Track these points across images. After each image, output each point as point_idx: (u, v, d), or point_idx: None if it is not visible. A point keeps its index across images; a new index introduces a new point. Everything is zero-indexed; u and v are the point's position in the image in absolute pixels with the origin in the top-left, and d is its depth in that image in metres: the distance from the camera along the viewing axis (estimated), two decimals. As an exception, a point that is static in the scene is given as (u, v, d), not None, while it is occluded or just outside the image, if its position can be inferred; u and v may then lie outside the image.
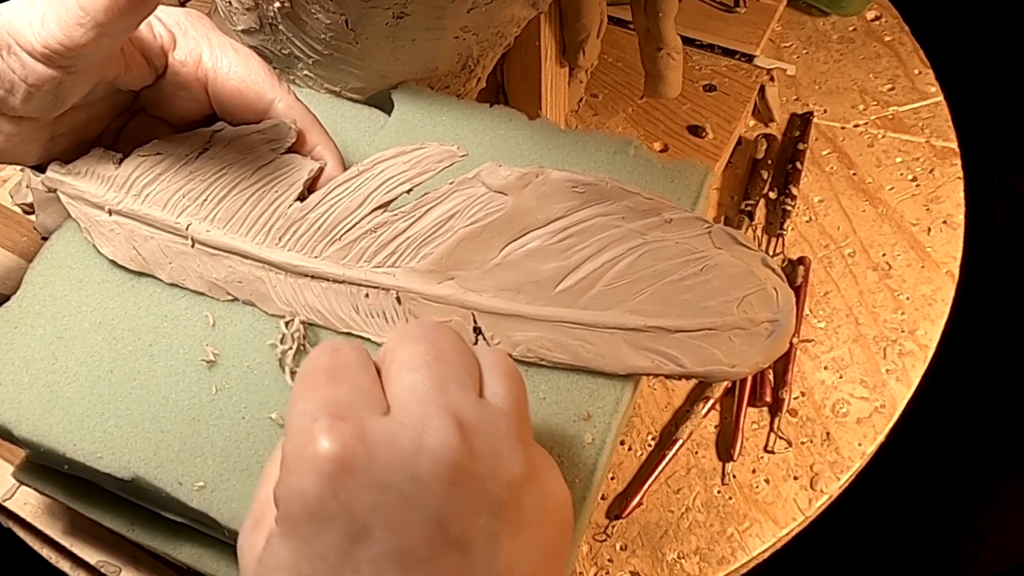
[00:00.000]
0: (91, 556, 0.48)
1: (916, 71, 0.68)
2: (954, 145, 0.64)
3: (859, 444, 0.52)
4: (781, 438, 0.52)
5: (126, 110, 0.43)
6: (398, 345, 0.30)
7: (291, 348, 0.39)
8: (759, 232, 0.60)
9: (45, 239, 0.52)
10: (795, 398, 0.54)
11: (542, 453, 0.30)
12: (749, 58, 0.66)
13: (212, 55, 0.41)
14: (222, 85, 0.40)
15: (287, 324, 0.39)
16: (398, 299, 0.39)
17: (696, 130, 0.62)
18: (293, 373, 0.38)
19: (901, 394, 0.54)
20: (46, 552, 0.49)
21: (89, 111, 0.41)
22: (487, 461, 0.28)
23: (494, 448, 0.28)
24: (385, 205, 0.40)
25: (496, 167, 0.39)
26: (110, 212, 0.41)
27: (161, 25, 0.40)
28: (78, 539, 0.48)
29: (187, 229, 0.40)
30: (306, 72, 0.48)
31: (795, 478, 0.51)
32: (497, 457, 0.28)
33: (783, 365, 0.54)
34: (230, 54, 0.41)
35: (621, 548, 0.49)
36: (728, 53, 0.66)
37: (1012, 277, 0.97)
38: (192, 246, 0.40)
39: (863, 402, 0.53)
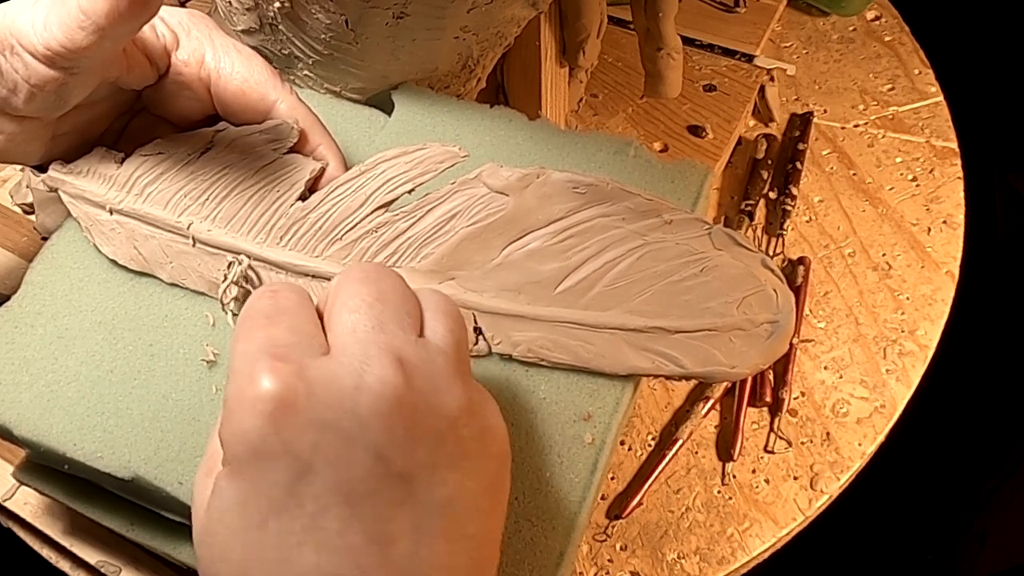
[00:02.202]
0: (91, 556, 0.48)
1: (916, 71, 0.68)
2: (954, 145, 0.64)
3: (859, 444, 0.52)
4: (781, 438, 0.52)
5: (128, 110, 0.43)
6: (340, 287, 0.30)
7: (233, 291, 0.39)
8: (759, 232, 0.60)
9: (45, 239, 0.52)
10: (795, 398, 0.54)
11: (480, 389, 0.31)
12: (749, 58, 0.66)
13: (215, 55, 0.41)
14: (225, 86, 0.41)
15: (228, 266, 0.39)
16: None
17: (696, 130, 0.62)
18: (235, 316, 0.38)
19: (901, 394, 0.54)
20: (46, 552, 0.49)
21: (91, 111, 0.41)
22: (426, 396, 0.28)
23: (433, 384, 0.29)
24: (387, 205, 0.40)
25: (497, 168, 0.39)
26: (111, 211, 0.41)
27: (164, 25, 0.40)
28: (78, 539, 0.48)
29: (188, 228, 0.40)
30: (306, 72, 0.48)
31: (795, 478, 0.51)
32: (436, 392, 0.29)
33: (783, 365, 0.54)
34: (233, 55, 0.41)
35: (621, 548, 0.49)
36: (728, 53, 0.66)
37: (1012, 277, 0.97)
38: (193, 245, 0.40)
39: (863, 402, 0.53)
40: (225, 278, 0.39)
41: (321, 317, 0.30)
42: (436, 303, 0.32)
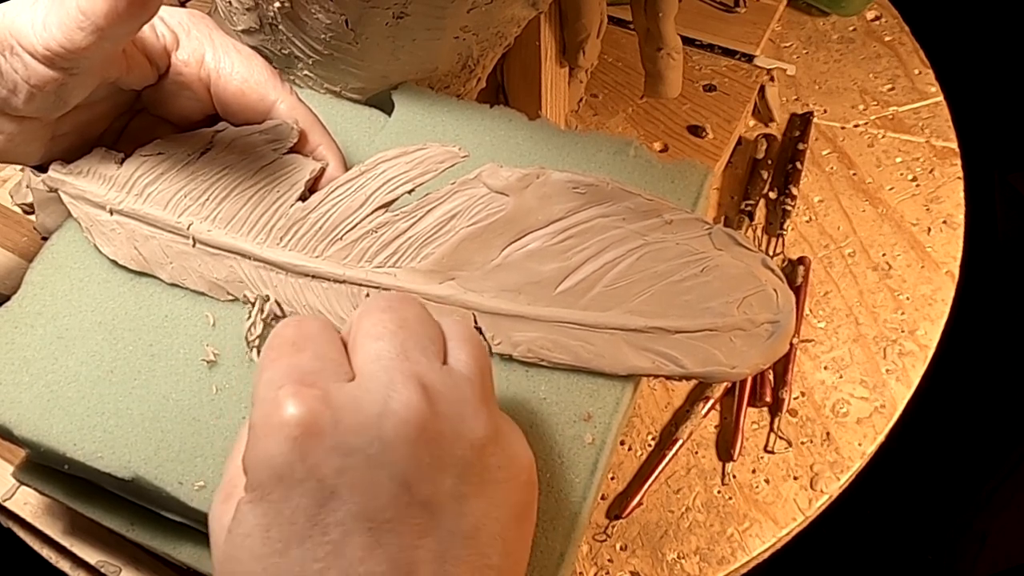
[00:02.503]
0: (91, 556, 0.48)
1: (916, 71, 0.68)
2: (954, 145, 0.64)
3: (859, 444, 0.52)
4: (781, 438, 0.52)
5: (128, 110, 0.43)
6: (363, 316, 0.30)
7: (258, 329, 0.39)
8: (759, 232, 0.60)
9: (45, 239, 0.52)
10: (795, 398, 0.54)
11: (505, 418, 0.31)
12: (749, 58, 0.66)
13: (215, 55, 0.41)
14: (225, 86, 0.41)
15: (253, 304, 0.39)
16: None
17: (696, 130, 0.62)
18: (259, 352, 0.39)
19: (901, 394, 0.54)
20: (46, 552, 0.49)
21: (91, 111, 0.41)
22: (451, 423, 0.28)
23: (458, 411, 0.29)
24: (387, 205, 0.40)
25: (498, 168, 0.39)
26: (111, 212, 0.41)
27: (164, 26, 0.40)
28: (78, 539, 0.48)
29: (188, 229, 0.40)
30: (306, 72, 0.48)
31: (795, 478, 0.51)
32: (461, 420, 0.29)
33: (783, 365, 0.54)
34: (233, 55, 0.41)
35: (621, 548, 0.49)
36: (728, 53, 0.66)
37: (1012, 277, 0.97)
38: (193, 246, 0.40)
39: (863, 402, 0.53)
40: (249, 315, 0.39)
41: (345, 346, 0.30)
42: (458, 332, 0.31)
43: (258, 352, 0.39)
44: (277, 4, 0.44)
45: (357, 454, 0.27)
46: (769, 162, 0.62)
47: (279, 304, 0.40)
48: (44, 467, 0.41)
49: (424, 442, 0.27)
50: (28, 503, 0.50)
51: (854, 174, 0.63)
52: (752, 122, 0.66)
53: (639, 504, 0.50)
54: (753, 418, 0.53)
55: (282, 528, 0.27)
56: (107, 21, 0.33)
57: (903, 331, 0.56)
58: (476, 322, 0.39)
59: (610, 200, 0.39)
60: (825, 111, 0.66)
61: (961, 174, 0.63)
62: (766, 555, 0.49)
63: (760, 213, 0.61)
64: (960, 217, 0.61)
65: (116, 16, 0.33)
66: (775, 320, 0.38)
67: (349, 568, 0.26)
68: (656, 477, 0.50)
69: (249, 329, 0.39)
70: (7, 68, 0.35)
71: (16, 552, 0.50)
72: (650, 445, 0.52)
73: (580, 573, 0.48)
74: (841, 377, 0.54)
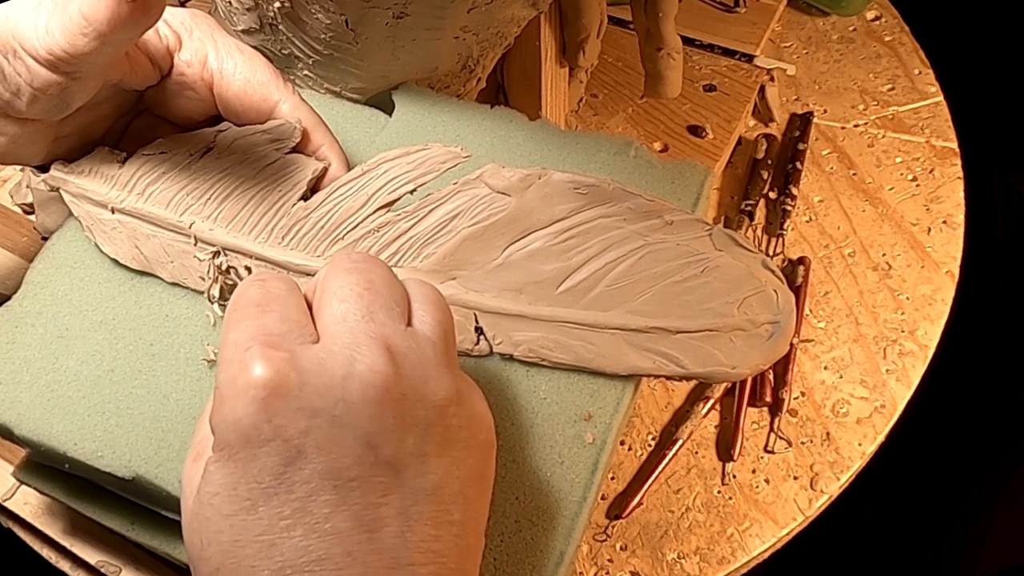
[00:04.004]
0: (91, 556, 0.48)
1: (916, 71, 0.68)
2: (954, 145, 0.64)
3: (859, 444, 0.52)
4: (781, 438, 0.52)
5: (130, 110, 0.43)
6: (328, 276, 0.31)
7: (216, 282, 0.39)
8: (759, 232, 0.60)
9: (45, 239, 0.52)
10: (795, 398, 0.54)
11: (467, 379, 0.32)
12: (749, 58, 0.66)
13: (217, 56, 0.41)
14: (227, 86, 0.41)
15: (214, 256, 0.39)
16: None
17: (696, 130, 0.62)
18: (223, 307, 0.39)
19: (901, 394, 0.54)
20: (46, 552, 0.49)
21: (94, 112, 0.41)
22: (415, 385, 0.29)
23: (421, 373, 0.29)
24: (388, 205, 0.40)
25: (499, 168, 0.39)
26: (113, 211, 0.41)
27: (167, 26, 0.40)
28: (78, 539, 0.48)
29: (190, 228, 0.40)
30: (306, 72, 0.48)
31: (795, 478, 0.51)
32: (424, 381, 0.29)
33: (783, 365, 0.54)
34: (235, 55, 0.41)
35: (621, 548, 0.49)
36: (728, 53, 0.66)
37: (1012, 277, 0.97)
38: (195, 245, 0.40)
39: (863, 402, 0.54)
40: (209, 270, 0.39)
41: (310, 306, 0.31)
42: (423, 294, 0.32)
43: (220, 308, 0.39)
44: (277, 4, 0.44)
45: (322, 415, 0.27)
46: (769, 162, 0.62)
47: (232, 264, 0.40)
48: (44, 467, 0.41)
49: (388, 403, 0.28)
50: (28, 503, 0.50)
51: (854, 174, 0.63)
52: (752, 122, 0.66)
53: (639, 504, 0.50)
54: (753, 418, 0.53)
55: (249, 486, 0.27)
56: (109, 27, 0.33)
57: (903, 331, 0.56)
58: (477, 321, 0.39)
59: (611, 200, 0.39)
60: (825, 111, 0.66)
61: (961, 174, 0.63)
62: (766, 555, 0.49)
63: (760, 213, 0.61)
64: (960, 217, 0.61)
65: (118, 22, 0.33)
66: (775, 320, 0.38)
67: (315, 524, 0.27)
68: (656, 477, 0.50)
69: (210, 287, 0.39)
70: (10, 71, 0.35)
71: (16, 552, 0.50)
72: (650, 445, 0.52)
73: (580, 573, 0.48)
74: (841, 377, 0.55)
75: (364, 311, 0.29)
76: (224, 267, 0.39)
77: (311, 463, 0.27)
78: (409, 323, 0.31)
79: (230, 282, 0.40)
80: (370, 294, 0.30)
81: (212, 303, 0.39)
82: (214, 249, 0.40)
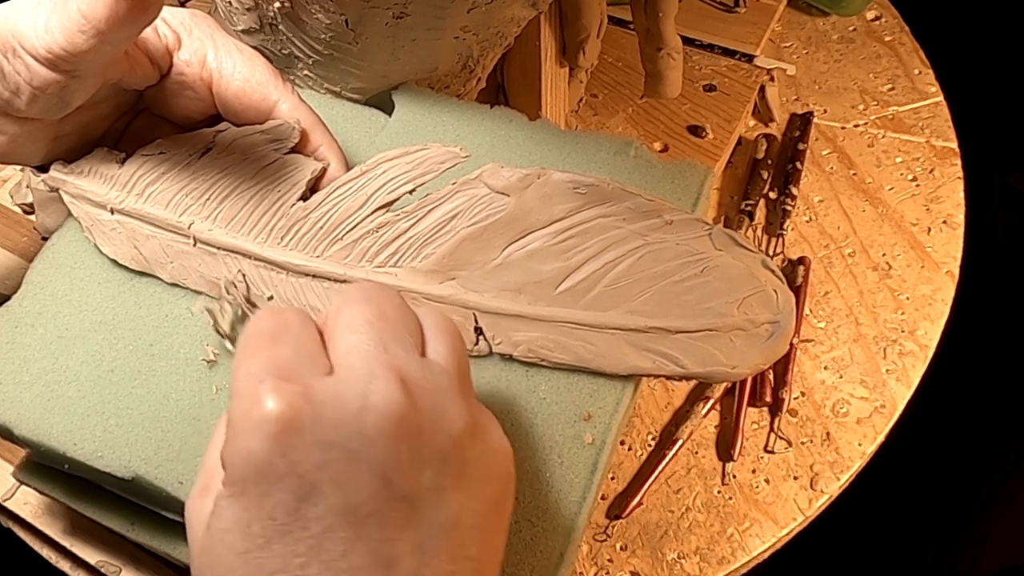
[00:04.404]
0: (91, 556, 0.48)
1: (916, 71, 0.68)
2: (954, 145, 0.64)
3: (859, 444, 0.52)
4: (781, 438, 0.52)
5: (130, 110, 0.43)
6: (341, 307, 0.30)
7: (229, 314, 0.39)
8: (759, 232, 0.60)
9: (45, 239, 0.52)
10: (795, 398, 0.54)
11: (483, 409, 0.31)
12: (749, 58, 0.66)
13: (217, 56, 0.41)
14: (226, 86, 0.40)
15: (226, 288, 0.39)
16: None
17: (696, 130, 0.62)
18: (232, 340, 0.39)
19: (901, 394, 0.54)
20: (46, 552, 0.49)
21: (93, 111, 0.41)
22: (431, 416, 0.28)
23: (437, 404, 0.29)
24: (388, 205, 0.40)
25: (498, 168, 0.39)
26: (112, 211, 0.41)
27: (166, 26, 0.40)
28: (78, 539, 0.48)
29: (189, 228, 0.40)
30: (306, 72, 0.48)
31: (795, 478, 0.51)
32: (440, 412, 0.29)
33: (783, 365, 0.54)
34: (235, 55, 0.41)
35: (621, 548, 0.49)
36: (728, 53, 0.66)
37: (1012, 277, 0.97)
38: (194, 245, 0.40)
39: (863, 402, 0.54)
40: (220, 302, 0.39)
41: (322, 336, 0.30)
42: (436, 323, 0.32)
43: (232, 343, 0.39)
44: (277, 4, 0.44)
45: (337, 449, 0.27)
46: (769, 162, 0.62)
47: (248, 289, 0.39)
48: (44, 467, 0.42)
49: (404, 436, 0.27)
50: (28, 503, 0.50)
51: (854, 174, 0.63)
52: (752, 122, 0.66)
53: (639, 504, 0.50)
54: (753, 418, 0.53)
55: (263, 523, 0.27)
56: (108, 25, 0.33)
57: (903, 331, 0.56)
58: (476, 322, 0.39)
59: (611, 200, 0.39)
60: (825, 111, 0.66)
61: (961, 174, 0.63)
62: (766, 555, 0.49)
63: (760, 213, 0.61)
64: (960, 217, 0.61)
65: (117, 20, 0.33)
66: (775, 320, 0.38)
67: (331, 562, 0.27)
68: (656, 477, 0.50)
69: (219, 322, 0.39)
70: (9, 70, 0.35)
71: (16, 552, 0.50)
72: (650, 445, 0.52)
73: (580, 573, 0.48)
74: (841, 377, 0.54)
75: (377, 341, 0.29)
76: (235, 300, 0.39)
77: (326, 499, 0.27)
78: (423, 353, 0.30)
79: (240, 312, 0.39)
80: (382, 324, 0.30)
81: (223, 338, 0.39)
82: (228, 280, 0.39)
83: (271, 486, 0.27)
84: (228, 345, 0.39)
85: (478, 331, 0.38)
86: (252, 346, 0.29)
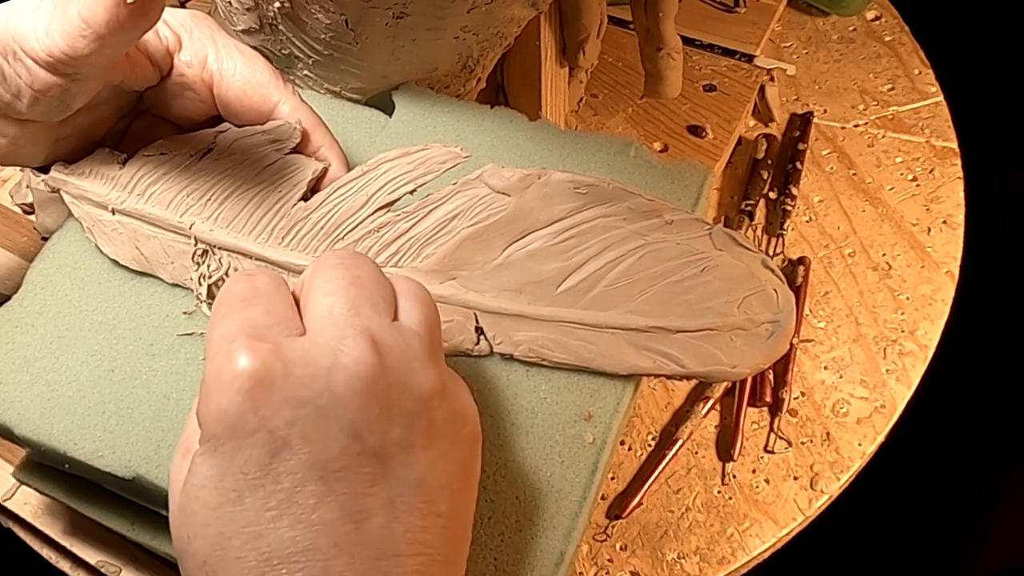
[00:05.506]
0: (91, 556, 0.48)
1: (916, 71, 0.68)
2: (954, 145, 0.64)
3: (859, 444, 0.52)
4: (781, 438, 0.52)
5: (131, 111, 0.43)
6: (315, 272, 0.31)
7: (206, 279, 0.39)
8: (759, 232, 0.60)
9: (45, 239, 0.52)
10: (795, 398, 0.54)
11: (452, 374, 0.32)
12: (749, 58, 0.66)
13: (217, 57, 0.41)
14: (227, 87, 0.41)
15: (202, 255, 0.39)
16: None
17: (696, 130, 0.62)
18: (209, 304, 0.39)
19: (901, 394, 0.54)
20: (46, 552, 0.49)
21: (94, 113, 0.41)
22: (400, 377, 0.29)
23: (407, 366, 0.29)
24: (388, 205, 0.40)
25: (499, 168, 0.39)
26: (113, 212, 0.41)
27: (166, 27, 0.40)
28: (78, 539, 0.48)
29: (190, 229, 0.40)
30: (306, 72, 0.48)
31: (795, 478, 0.51)
32: (409, 373, 0.29)
33: (783, 365, 0.54)
34: (235, 56, 0.41)
35: (621, 548, 0.49)
36: (728, 53, 0.66)
37: (1012, 277, 0.97)
38: (195, 245, 0.40)
39: (863, 402, 0.54)
40: (198, 268, 0.39)
41: (297, 302, 0.31)
42: (409, 290, 0.32)
43: (208, 307, 0.39)
44: (277, 4, 0.44)
45: (308, 405, 0.27)
46: (769, 162, 0.62)
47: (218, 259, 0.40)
48: (44, 467, 0.42)
49: (373, 394, 0.28)
50: (28, 503, 0.50)
51: (854, 174, 0.63)
52: (752, 122, 0.66)
53: (639, 504, 0.50)
54: (753, 418, 0.53)
55: (235, 478, 0.27)
56: (108, 29, 0.33)
57: (903, 331, 0.56)
58: (477, 321, 0.39)
59: (611, 200, 0.39)
60: (825, 111, 0.66)
61: (961, 174, 0.63)
62: (766, 555, 0.49)
63: (760, 213, 0.61)
64: (960, 217, 0.61)
65: (117, 24, 0.33)
66: (775, 320, 0.38)
67: (301, 515, 0.27)
68: (656, 477, 0.50)
69: (198, 288, 0.39)
70: (10, 72, 0.35)
71: (16, 552, 0.50)
72: (650, 445, 0.52)
73: (580, 573, 0.48)
74: (841, 377, 0.55)
75: (350, 305, 0.30)
76: (211, 267, 0.39)
77: (297, 454, 0.27)
78: (395, 318, 0.31)
79: (219, 282, 0.40)
80: (356, 288, 0.30)
81: (201, 303, 0.39)
82: (203, 248, 0.40)
83: (243, 441, 0.27)
84: (205, 310, 0.39)
85: (479, 331, 0.39)
86: (225, 308, 0.30)
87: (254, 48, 0.42)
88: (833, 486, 0.51)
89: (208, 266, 0.40)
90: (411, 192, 0.40)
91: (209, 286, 0.39)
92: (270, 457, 0.27)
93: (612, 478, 0.51)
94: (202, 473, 0.28)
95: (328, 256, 0.32)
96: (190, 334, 0.39)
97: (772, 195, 0.62)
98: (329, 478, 0.27)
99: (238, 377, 0.27)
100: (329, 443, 0.28)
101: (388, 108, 0.47)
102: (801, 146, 0.63)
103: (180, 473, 0.29)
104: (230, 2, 0.47)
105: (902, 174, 0.63)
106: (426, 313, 0.32)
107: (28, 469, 0.42)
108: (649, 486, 0.50)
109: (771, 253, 0.59)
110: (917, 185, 0.62)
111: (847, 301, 0.57)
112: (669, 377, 0.38)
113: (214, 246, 0.40)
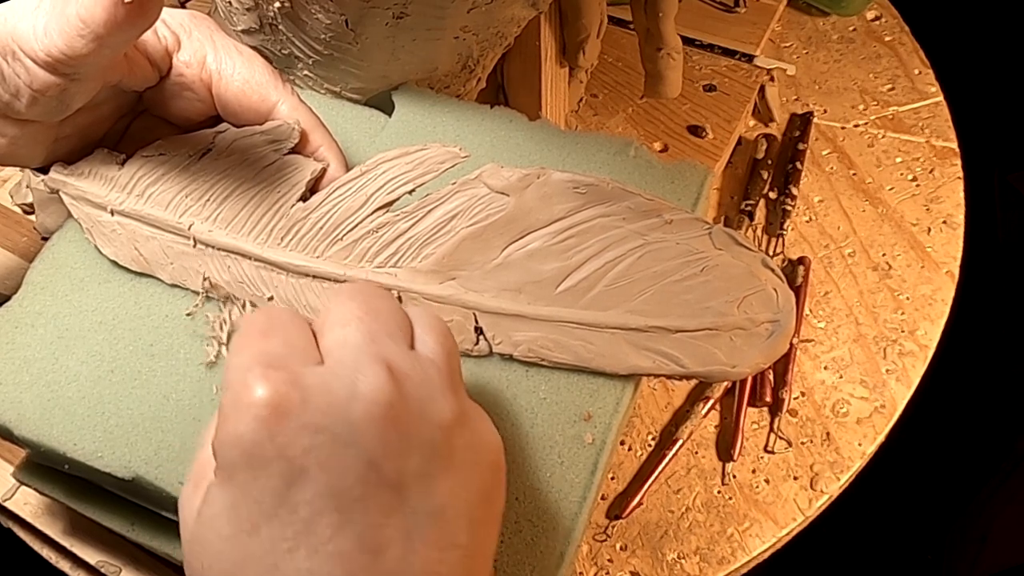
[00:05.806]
0: (91, 556, 0.48)
1: (916, 71, 0.68)
2: (954, 145, 0.64)
3: (859, 444, 0.52)
4: (781, 438, 0.52)
5: (130, 111, 0.43)
6: (331, 304, 0.31)
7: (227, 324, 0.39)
8: (759, 232, 0.60)
9: (45, 239, 0.52)
10: (795, 398, 0.54)
11: (472, 403, 0.32)
12: (749, 58, 0.66)
13: (216, 57, 0.41)
14: (226, 87, 0.41)
15: (224, 302, 0.39)
16: (399, 299, 0.39)
17: (696, 130, 0.62)
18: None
19: (901, 394, 0.54)
20: (46, 552, 0.49)
21: (93, 113, 0.41)
22: (418, 405, 0.29)
23: (425, 394, 0.29)
24: (387, 205, 0.40)
25: (498, 168, 0.39)
26: (112, 212, 0.41)
27: (165, 27, 0.40)
28: (78, 539, 0.48)
29: (189, 229, 0.40)
30: (306, 72, 0.48)
31: (795, 478, 0.51)
32: (427, 402, 0.29)
33: (783, 365, 0.54)
34: (234, 56, 0.41)
35: (621, 548, 0.49)
36: (728, 53, 0.66)
37: (1012, 277, 0.97)
38: (194, 246, 0.40)
39: (863, 402, 0.54)
40: (221, 320, 0.39)
41: (314, 335, 0.31)
42: (426, 319, 0.32)
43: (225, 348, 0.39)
44: (277, 4, 0.44)
45: (325, 434, 0.27)
46: (769, 162, 0.62)
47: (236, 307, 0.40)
48: (44, 467, 0.42)
49: (391, 423, 0.28)
50: (28, 503, 0.50)
51: (854, 174, 0.63)
52: (752, 122, 0.66)
53: (639, 504, 0.50)
54: (753, 418, 0.53)
55: (250, 507, 0.27)
56: (106, 29, 0.33)
57: (903, 331, 0.56)
58: (477, 321, 0.39)
59: (610, 200, 0.39)
60: (825, 111, 0.66)
61: (961, 174, 0.63)
62: (766, 555, 0.49)
63: (760, 213, 0.61)
64: (960, 217, 0.61)
65: (115, 25, 0.33)
66: (775, 319, 0.38)
67: (318, 545, 0.27)
68: (656, 477, 0.50)
69: (219, 333, 0.39)
70: (9, 72, 0.35)
71: (16, 552, 0.50)
72: (650, 445, 0.52)
73: (580, 573, 0.48)
74: (841, 377, 0.55)
75: (367, 334, 0.29)
76: (233, 314, 0.39)
77: (314, 483, 0.27)
78: (412, 347, 0.31)
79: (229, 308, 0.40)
80: (372, 318, 0.30)
81: (220, 346, 0.39)
82: (225, 294, 0.40)
83: (259, 470, 0.27)
84: (225, 353, 0.39)
85: (478, 331, 0.39)
86: (243, 340, 0.30)
87: (254, 48, 0.43)
88: (833, 486, 0.51)
89: (231, 313, 0.39)
90: (410, 192, 0.40)
91: (229, 335, 0.39)
92: (286, 486, 0.27)
93: (612, 478, 0.51)
94: (217, 502, 0.28)
95: (344, 288, 0.32)
96: (213, 363, 0.39)
97: (772, 195, 0.62)
98: (346, 508, 0.27)
99: (255, 404, 0.27)
100: (346, 472, 0.27)
101: (388, 108, 0.47)
102: (801, 146, 0.63)
103: (192, 503, 0.29)
104: (230, 2, 0.47)
105: (902, 174, 0.63)
106: (443, 342, 0.31)
107: (28, 469, 0.42)
108: (649, 486, 0.50)
109: (771, 253, 0.59)
110: (917, 185, 0.62)
111: (847, 301, 0.57)
112: (669, 377, 0.38)
113: (214, 247, 0.40)
